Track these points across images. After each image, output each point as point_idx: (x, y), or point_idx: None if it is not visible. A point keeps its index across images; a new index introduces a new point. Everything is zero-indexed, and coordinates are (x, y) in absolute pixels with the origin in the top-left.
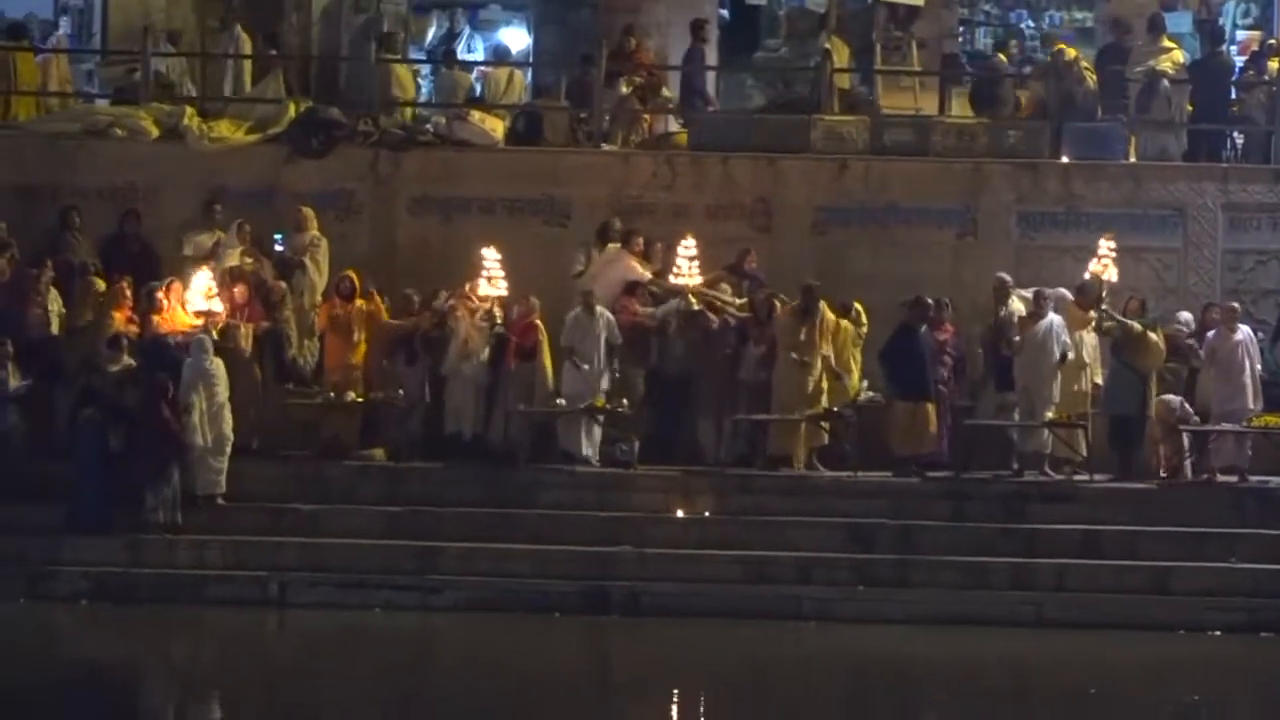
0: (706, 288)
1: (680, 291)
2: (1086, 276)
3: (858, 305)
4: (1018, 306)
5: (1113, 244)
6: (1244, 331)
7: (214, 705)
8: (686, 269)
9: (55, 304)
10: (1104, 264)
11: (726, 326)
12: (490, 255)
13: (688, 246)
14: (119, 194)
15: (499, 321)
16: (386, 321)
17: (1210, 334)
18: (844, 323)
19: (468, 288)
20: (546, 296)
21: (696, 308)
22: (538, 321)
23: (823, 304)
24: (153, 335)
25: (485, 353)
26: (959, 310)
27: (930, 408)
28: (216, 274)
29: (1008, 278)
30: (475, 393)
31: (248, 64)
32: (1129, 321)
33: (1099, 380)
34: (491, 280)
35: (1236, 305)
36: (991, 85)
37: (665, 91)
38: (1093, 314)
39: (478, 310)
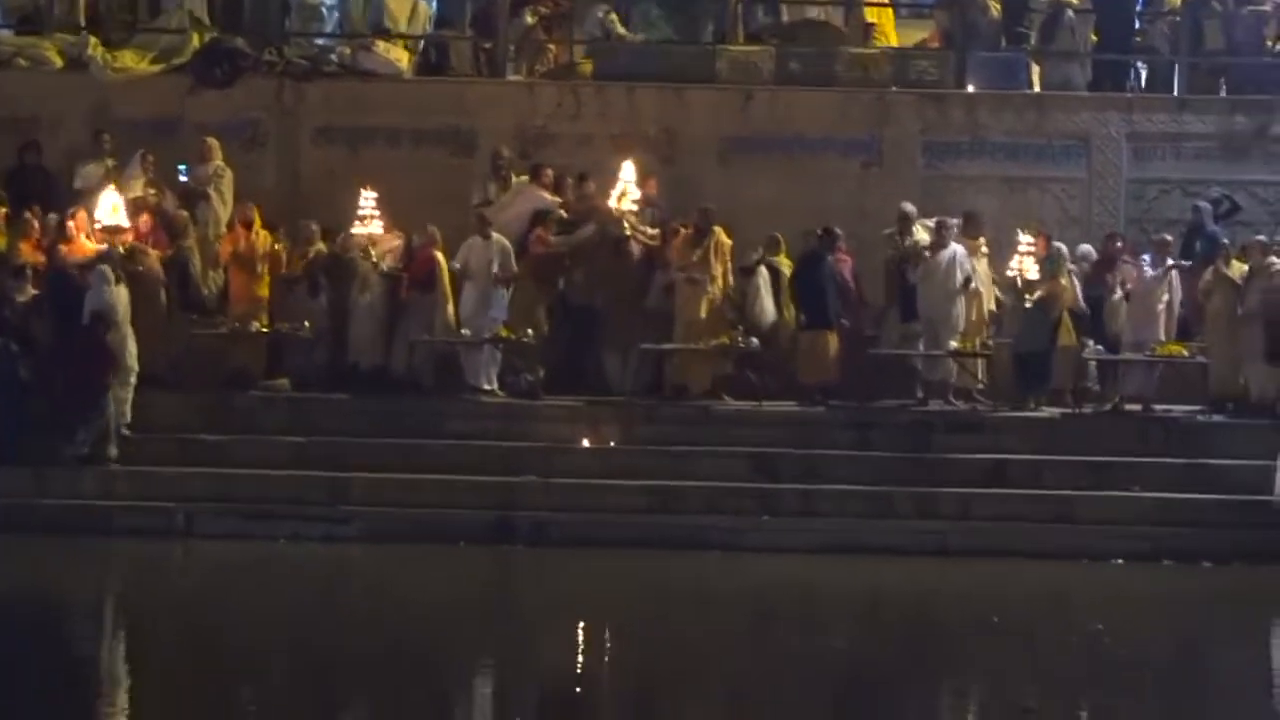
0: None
1: (605, 213)
2: (1009, 273)
3: None
4: (921, 236)
5: (1032, 239)
6: (1165, 262)
7: (120, 635)
8: (630, 191)
9: None
10: (1024, 262)
11: (639, 254)
12: (366, 195)
13: (630, 170)
14: (22, 125)
15: (393, 263)
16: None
17: (1145, 260)
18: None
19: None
20: (450, 227)
21: (628, 233)
22: (437, 253)
23: (718, 228)
24: (58, 265)
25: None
26: (864, 240)
27: (832, 336)
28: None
29: (911, 208)
30: (375, 323)
31: None
32: (1034, 287)
33: (994, 307)
34: (364, 220)
35: (1169, 237)
36: None
37: None
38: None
39: (374, 249)
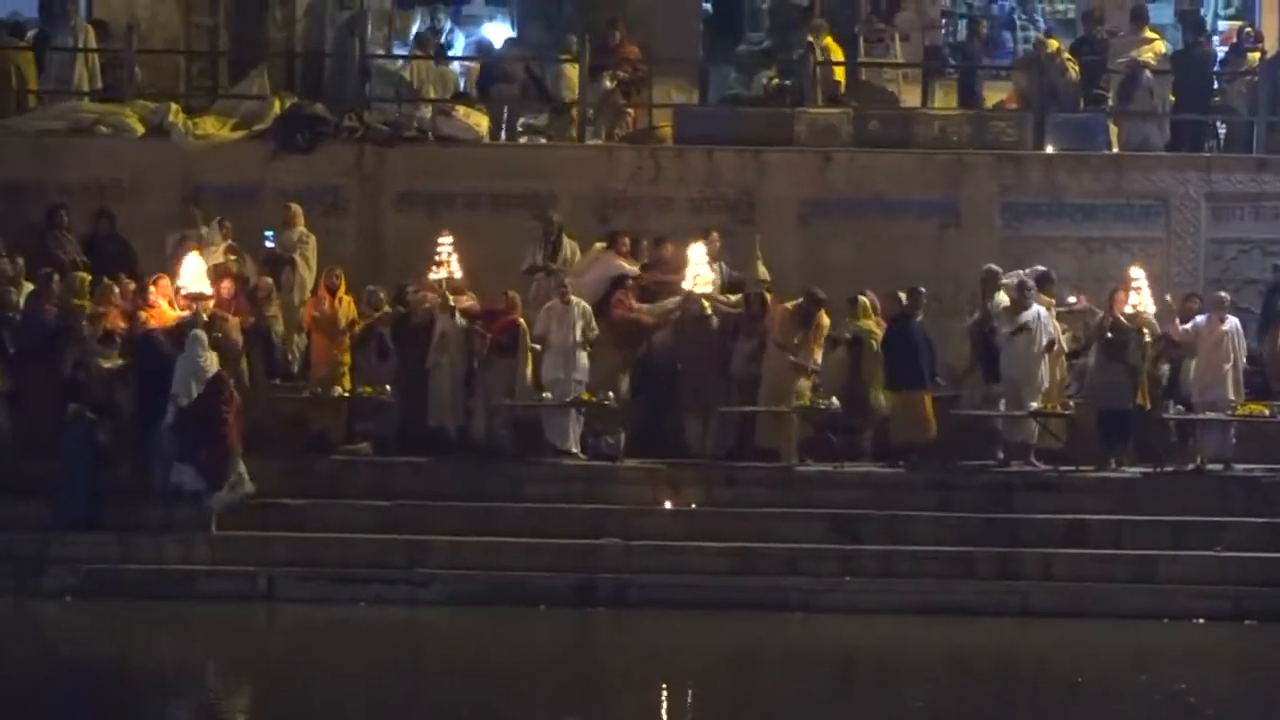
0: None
1: (687, 296)
2: (1124, 314)
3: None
4: (1002, 298)
5: (1144, 273)
6: (1231, 322)
7: (203, 700)
8: (703, 273)
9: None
10: (1140, 299)
11: (720, 323)
12: (444, 241)
13: (696, 253)
14: (104, 191)
15: (472, 315)
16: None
17: (1200, 320)
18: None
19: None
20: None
21: (708, 312)
22: (519, 318)
23: (824, 311)
24: (143, 331)
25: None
26: (943, 302)
27: (926, 396)
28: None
29: (997, 269)
30: (455, 385)
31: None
32: (1146, 315)
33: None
34: (442, 265)
35: (1226, 295)
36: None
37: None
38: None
39: (450, 302)
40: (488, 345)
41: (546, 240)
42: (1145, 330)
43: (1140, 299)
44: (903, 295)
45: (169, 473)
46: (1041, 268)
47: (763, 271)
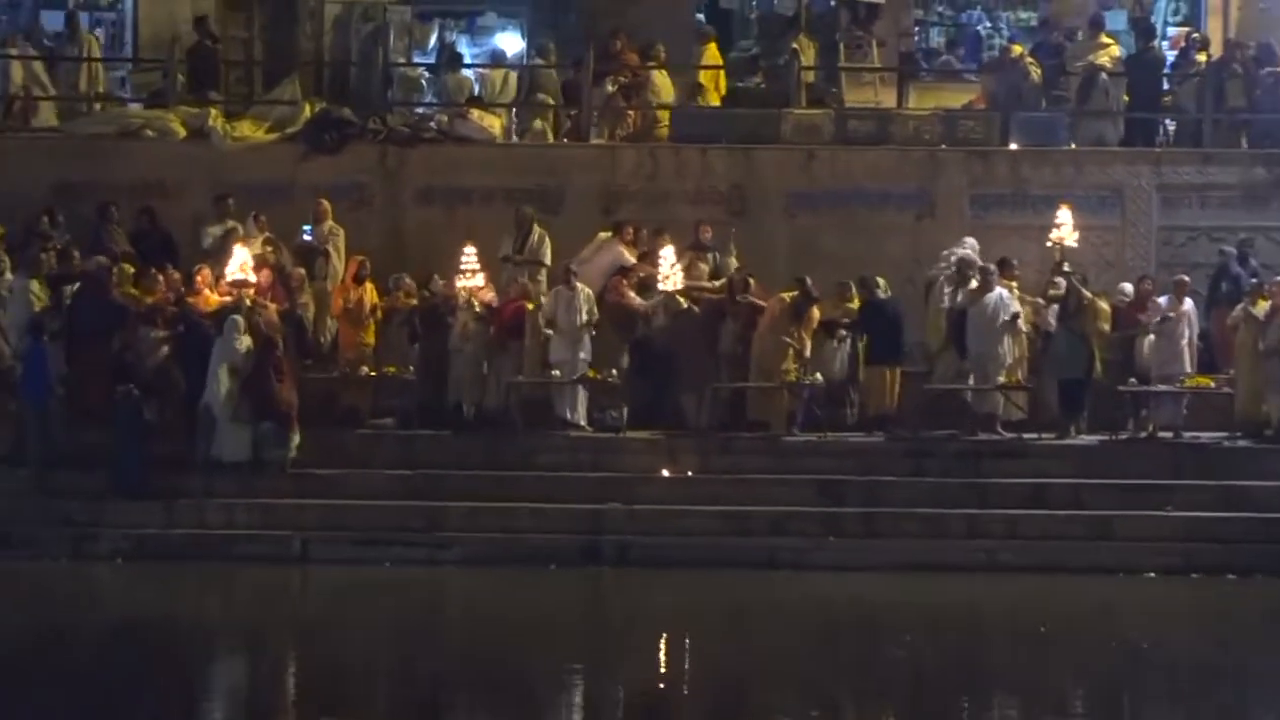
0: (683, 270)
1: (668, 295)
2: (1048, 244)
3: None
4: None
5: (1069, 212)
6: (1188, 303)
7: (244, 654)
8: (670, 273)
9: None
10: (1063, 234)
11: (707, 307)
12: (469, 252)
13: (666, 255)
14: (150, 190)
15: (488, 306)
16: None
17: (1163, 301)
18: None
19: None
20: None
21: (685, 306)
22: (526, 304)
23: (816, 307)
24: (187, 316)
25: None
26: (918, 285)
27: (894, 372)
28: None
29: (970, 255)
30: (475, 368)
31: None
32: (1084, 291)
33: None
34: (468, 274)
35: (1186, 279)
36: None
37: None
38: (1058, 279)
39: (470, 298)
40: (499, 329)
41: (520, 232)
42: (1104, 301)
43: (1062, 234)
44: (880, 279)
45: (210, 445)
46: (1005, 256)
47: (733, 264)
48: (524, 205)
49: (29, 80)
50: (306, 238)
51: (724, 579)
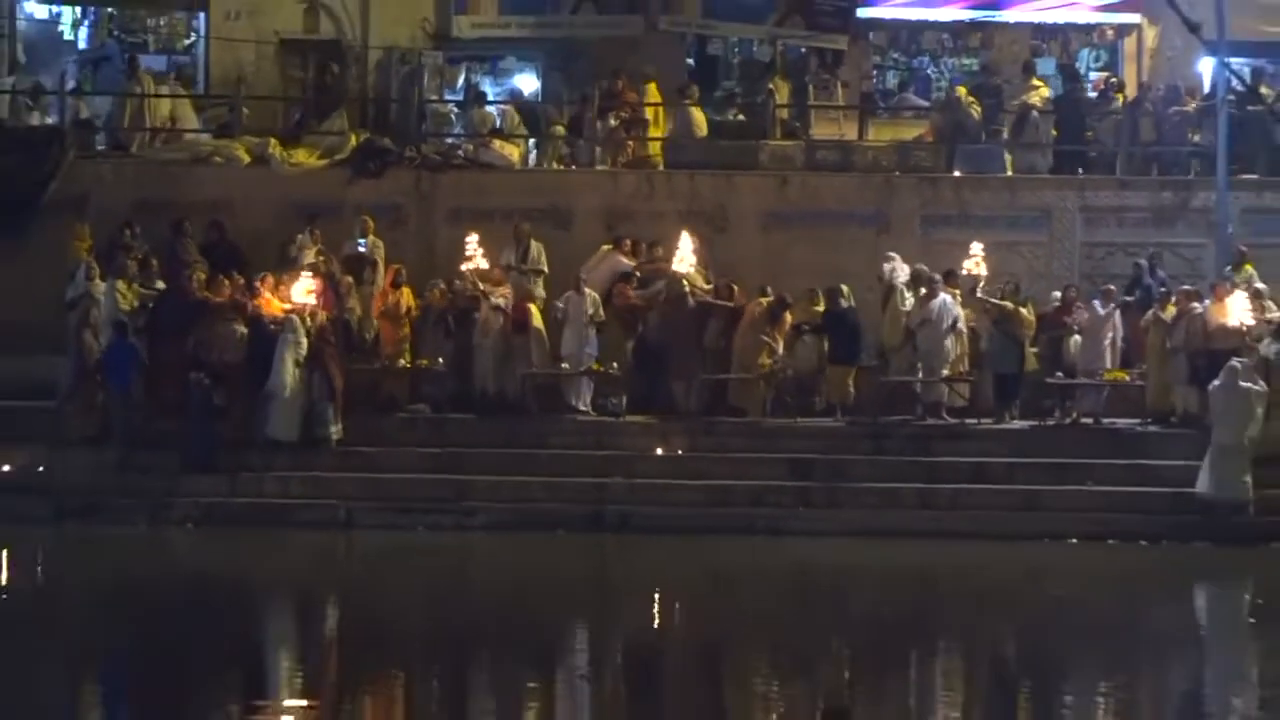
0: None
1: (672, 275)
2: (962, 272)
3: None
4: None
5: (981, 246)
6: (1113, 307)
7: (297, 606)
8: (687, 256)
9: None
10: (976, 263)
11: (697, 305)
12: (470, 239)
13: (685, 241)
14: (217, 208)
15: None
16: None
17: (1088, 306)
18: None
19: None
20: (552, 281)
21: (689, 288)
22: (531, 305)
23: (789, 312)
24: (254, 315)
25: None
26: (876, 292)
27: (852, 371)
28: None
29: (924, 268)
30: (495, 360)
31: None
32: (1001, 303)
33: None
34: (470, 258)
35: (1113, 287)
36: None
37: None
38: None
39: (493, 296)
40: (509, 325)
41: (519, 246)
42: (1027, 310)
43: (971, 265)
44: (844, 287)
45: (268, 427)
46: (950, 268)
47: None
48: (521, 222)
49: (175, 112)
50: (361, 249)
51: (710, 543)
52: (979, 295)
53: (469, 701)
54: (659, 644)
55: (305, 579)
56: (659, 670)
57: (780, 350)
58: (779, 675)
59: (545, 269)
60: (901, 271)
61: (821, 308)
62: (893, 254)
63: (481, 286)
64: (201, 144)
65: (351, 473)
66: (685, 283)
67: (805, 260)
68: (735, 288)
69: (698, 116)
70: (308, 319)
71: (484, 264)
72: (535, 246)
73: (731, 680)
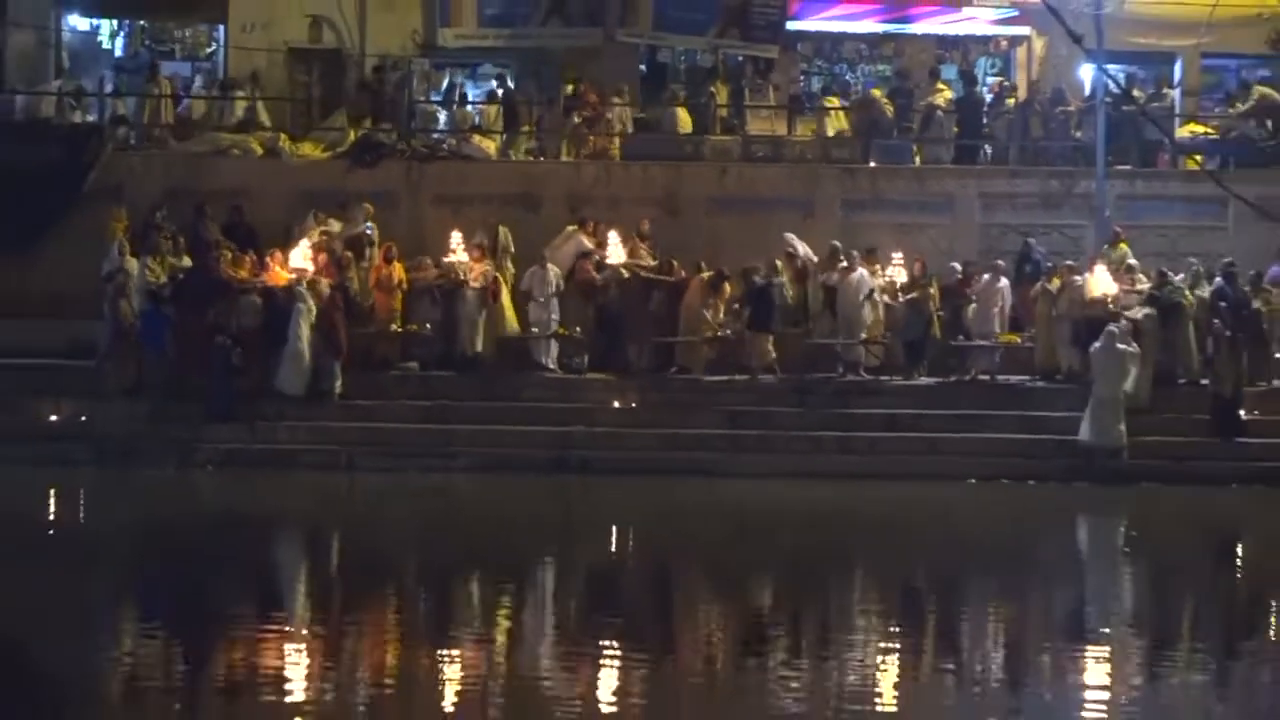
0: (630, 254)
1: (613, 268)
2: (888, 275)
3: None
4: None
5: (900, 256)
6: (1002, 280)
7: (306, 538)
8: (615, 252)
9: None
10: (898, 270)
11: (643, 280)
12: (455, 236)
13: (613, 238)
14: (235, 194)
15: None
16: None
17: (984, 278)
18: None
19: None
20: (523, 257)
21: (627, 276)
22: (498, 278)
23: (727, 282)
24: (268, 287)
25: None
26: (805, 267)
27: (770, 338)
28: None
29: (838, 244)
30: (474, 326)
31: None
32: (911, 296)
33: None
34: (454, 252)
35: (1001, 263)
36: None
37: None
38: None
39: (474, 273)
40: (488, 297)
41: (490, 234)
42: (933, 288)
43: (893, 272)
44: (763, 265)
45: (279, 383)
46: (871, 246)
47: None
48: (490, 219)
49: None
50: (368, 231)
51: (659, 483)
52: (897, 292)
53: (455, 609)
54: (616, 567)
55: (313, 514)
56: (616, 587)
57: (722, 316)
58: (717, 591)
59: (512, 249)
60: (800, 246)
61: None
62: (790, 234)
63: (462, 276)
64: (221, 138)
65: (352, 422)
66: (623, 271)
67: (742, 239)
68: (675, 263)
69: (683, 116)
70: (320, 283)
71: (464, 257)
72: (503, 232)
73: (678, 594)
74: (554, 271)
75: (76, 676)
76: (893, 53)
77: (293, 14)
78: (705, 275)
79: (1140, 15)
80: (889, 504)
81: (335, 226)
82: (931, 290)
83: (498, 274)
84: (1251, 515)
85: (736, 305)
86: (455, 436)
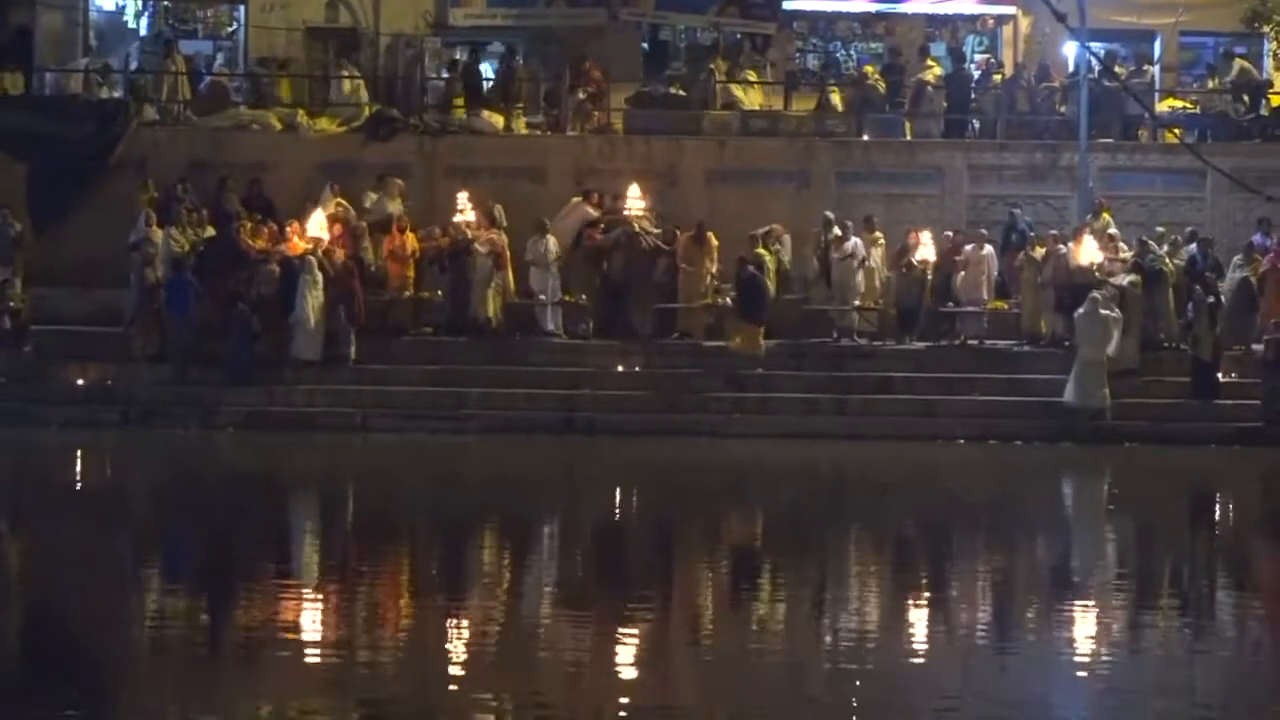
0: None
1: (627, 220)
2: (915, 257)
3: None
4: (835, 232)
5: (929, 234)
6: (988, 248)
7: (322, 493)
8: (635, 204)
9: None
10: (924, 252)
11: (648, 247)
12: (461, 196)
13: (633, 191)
14: (255, 168)
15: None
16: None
17: (970, 248)
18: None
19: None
20: (527, 227)
21: (638, 230)
22: (503, 247)
23: (709, 234)
24: (282, 255)
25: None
26: (798, 236)
27: (760, 329)
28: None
29: (831, 215)
30: (484, 292)
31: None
32: (916, 267)
33: (879, 281)
34: (461, 211)
35: (985, 231)
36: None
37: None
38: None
39: (484, 241)
40: (495, 264)
41: (486, 211)
42: (925, 258)
43: (924, 253)
44: (757, 253)
45: (294, 347)
46: (869, 215)
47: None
48: (487, 199)
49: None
50: (400, 214)
51: (662, 443)
52: (909, 264)
53: (466, 560)
54: (621, 521)
55: (330, 472)
56: (621, 539)
57: (715, 269)
58: (717, 543)
59: (505, 224)
60: (839, 229)
61: (760, 249)
62: (829, 214)
63: (469, 234)
64: (243, 113)
65: (366, 386)
66: (637, 224)
67: (740, 210)
68: (678, 231)
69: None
70: (336, 253)
71: (471, 217)
72: (497, 209)
73: (679, 546)
74: (552, 240)
75: (112, 623)
76: (884, 31)
77: None
78: (687, 234)
79: None
80: (882, 463)
81: (368, 200)
82: (929, 259)
83: (501, 243)
84: (1228, 473)
85: (729, 291)
86: (465, 399)
